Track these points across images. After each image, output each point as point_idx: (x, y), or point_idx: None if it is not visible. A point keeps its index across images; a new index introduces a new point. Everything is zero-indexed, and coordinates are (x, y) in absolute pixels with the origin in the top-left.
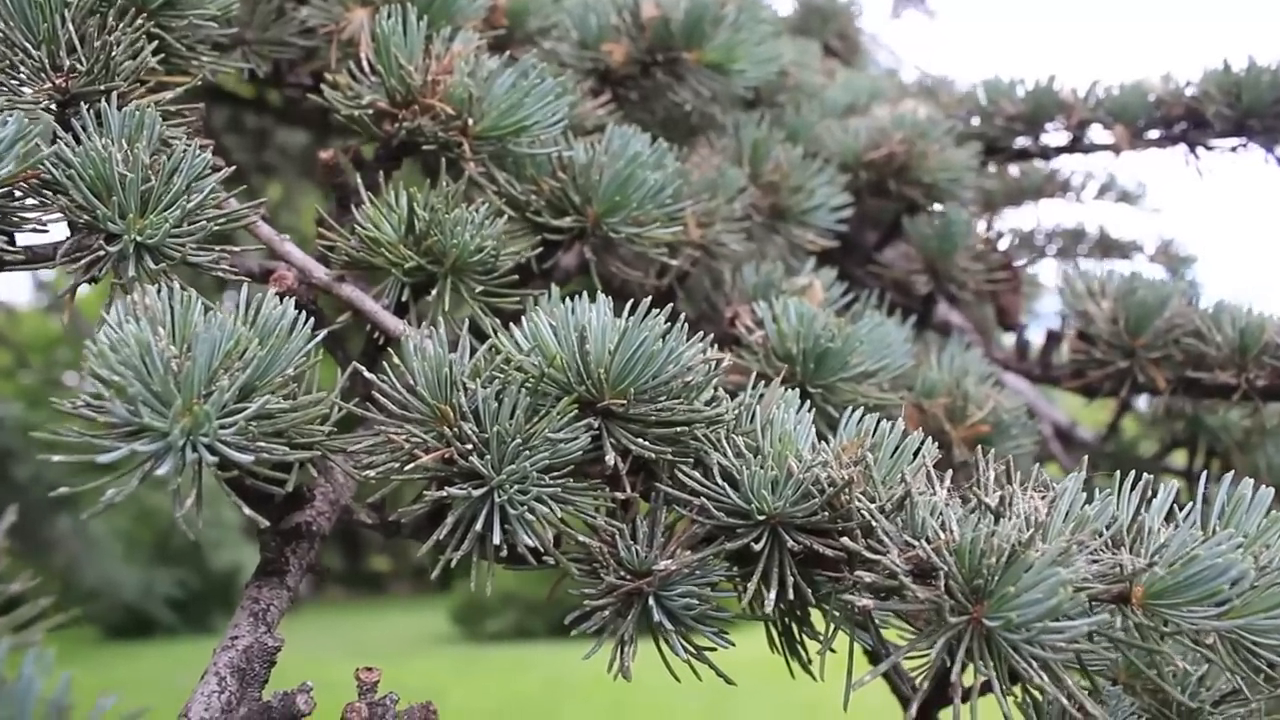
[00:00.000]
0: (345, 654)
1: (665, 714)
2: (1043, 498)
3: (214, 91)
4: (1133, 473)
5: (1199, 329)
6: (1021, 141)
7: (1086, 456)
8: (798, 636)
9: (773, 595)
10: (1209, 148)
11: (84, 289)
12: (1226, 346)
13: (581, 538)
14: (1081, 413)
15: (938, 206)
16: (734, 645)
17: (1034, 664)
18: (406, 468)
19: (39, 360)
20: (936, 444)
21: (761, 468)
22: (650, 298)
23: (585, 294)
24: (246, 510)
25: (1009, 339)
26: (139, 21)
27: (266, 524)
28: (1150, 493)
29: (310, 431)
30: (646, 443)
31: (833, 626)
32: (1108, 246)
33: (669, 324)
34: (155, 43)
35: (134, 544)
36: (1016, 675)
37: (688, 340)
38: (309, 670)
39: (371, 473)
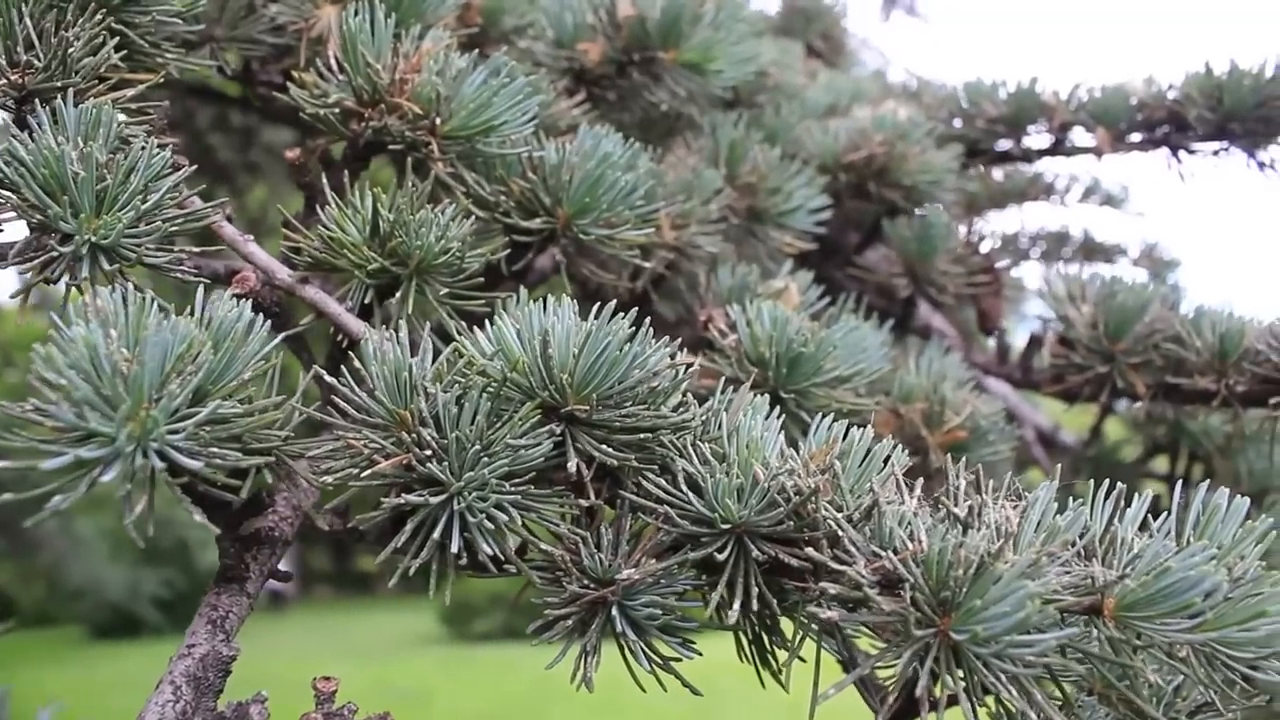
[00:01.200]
0: (333, 654)
1: (652, 714)
2: (1014, 507)
3: (200, 90)
4: (1107, 481)
5: (1179, 334)
6: (1003, 144)
7: (1062, 464)
8: (768, 645)
9: (737, 605)
10: (1191, 151)
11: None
12: (1206, 352)
13: (544, 545)
14: (1064, 417)
15: (919, 209)
16: (701, 655)
17: (1003, 678)
18: (364, 474)
19: (24, 359)
20: (912, 450)
21: (727, 475)
22: (623, 300)
23: (552, 297)
24: (198, 517)
25: (991, 342)
26: (99, 17)
27: (218, 531)
28: (1124, 502)
29: (266, 436)
30: (611, 449)
31: (801, 635)
32: (1091, 250)
33: (634, 328)
34: (117, 39)
35: (120, 543)
36: (986, 688)
37: (655, 344)
38: (295, 671)
39: (329, 478)
